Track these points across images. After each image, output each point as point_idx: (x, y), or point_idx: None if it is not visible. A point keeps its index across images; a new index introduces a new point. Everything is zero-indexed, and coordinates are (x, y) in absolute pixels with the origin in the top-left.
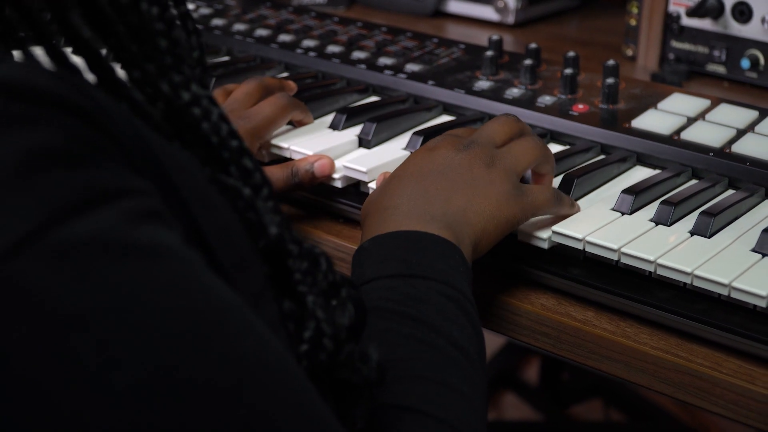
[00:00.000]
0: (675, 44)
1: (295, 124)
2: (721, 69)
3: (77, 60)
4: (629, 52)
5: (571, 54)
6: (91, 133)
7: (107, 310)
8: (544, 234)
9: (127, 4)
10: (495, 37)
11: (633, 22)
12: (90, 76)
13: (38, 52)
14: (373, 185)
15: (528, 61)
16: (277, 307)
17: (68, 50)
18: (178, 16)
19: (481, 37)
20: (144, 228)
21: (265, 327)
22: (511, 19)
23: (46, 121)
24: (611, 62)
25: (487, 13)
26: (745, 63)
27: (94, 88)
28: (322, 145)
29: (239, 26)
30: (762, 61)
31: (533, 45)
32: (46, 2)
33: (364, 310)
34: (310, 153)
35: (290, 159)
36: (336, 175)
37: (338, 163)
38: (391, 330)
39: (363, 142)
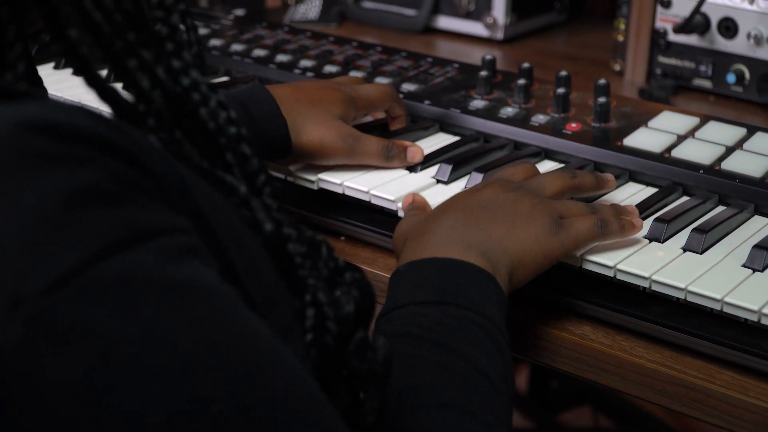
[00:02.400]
0: (662, 59)
1: (388, 120)
2: (707, 83)
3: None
4: (617, 67)
5: (563, 73)
6: (132, 172)
7: (145, 345)
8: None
9: None
10: (488, 57)
11: (620, 38)
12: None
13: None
14: (373, 198)
15: (521, 81)
16: (297, 322)
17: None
18: (179, 15)
19: (471, 53)
20: (183, 265)
21: (294, 360)
22: (500, 35)
23: (89, 160)
24: (602, 81)
25: (477, 29)
26: (731, 77)
27: (130, 127)
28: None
29: (237, 47)
30: (747, 75)
31: (526, 64)
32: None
33: (371, 294)
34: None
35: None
36: (338, 191)
37: (338, 180)
38: (419, 356)
39: None
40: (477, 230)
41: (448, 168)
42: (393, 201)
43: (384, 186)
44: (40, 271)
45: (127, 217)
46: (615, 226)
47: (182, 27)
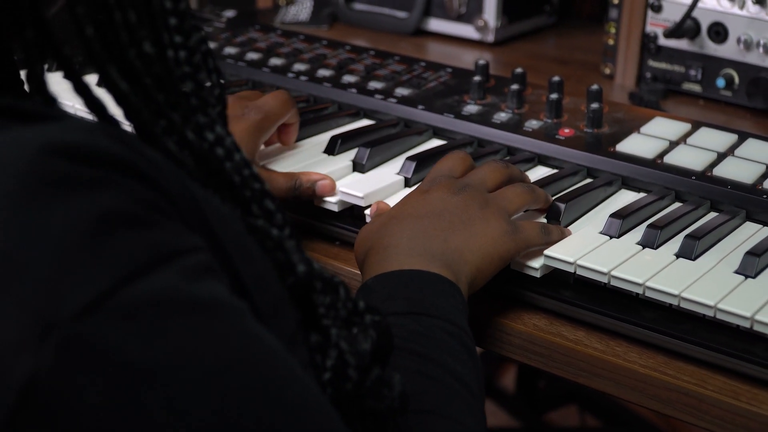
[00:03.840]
0: (652, 63)
1: (281, 129)
2: (696, 88)
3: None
4: (607, 71)
5: (556, 79)
6: (151, 194)
7: (174, 364)
8: (536, 263)
9: (153, 55)
10: (482, 61)
11: (611, 42)
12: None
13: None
14: (368, 211)
15: (515, 86)
16: (306, 347)
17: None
18: (201, 57)
19: (462, 56)
20: (203, 283)
21: (301, 369)
22: (490, 37)
23: (112, 184)
24: (595, 87)
25: (468, 31)
26: (721, 82)
27: (144, 146)
28: (318, 170)
29: (229, 50)
30: (737, 80)
31: (519, 70)
32: (86, 57)
33: (389, 336)
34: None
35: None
36: (332, 200)
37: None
38: (399, 366)
39: (357, 167)
40: (437, 241)
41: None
42: (361, 198)
43: (354, 184)
44: (70, 296)
45: (151, 239)
46: (556, 234)
47: (206, 69)
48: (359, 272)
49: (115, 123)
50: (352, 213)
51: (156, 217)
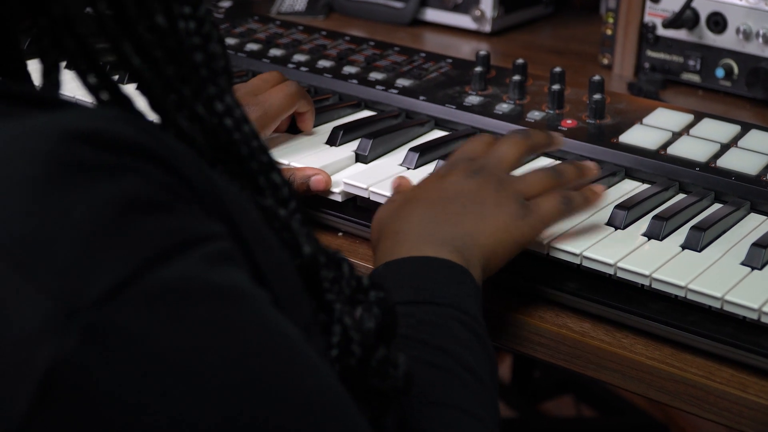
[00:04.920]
0: (650, 54)
1: (296, 117)
2: (695, 78)
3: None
4: (605, 61)
5: (558, 69)
6: (171, 180)
7: (197, 351)
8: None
9: (165, 28)
10: (483, 52)
11: (609, 32)
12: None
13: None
14: (375, 197)
15: (516, 77)
16: (322, 338)
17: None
18: (210, 26)
19: (459, 46)
20: (224, 270)
21: (317, 356)
22: (487, 27)
23: (134, 170)
24: (597, 78)
25: (465, 21)
26: (720, 72)
27: (163, 132)
28: (321, 161)
29: (229, 40)
30: (736, 70)
31: (520, 60)
32: (100, 33)
33: (393, 313)
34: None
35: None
36: (336, 190)
37: (337, 178)
38: (407, 356)
39: (360, 158)
40: (448, 225)
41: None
42: (365, 189)
43: (384, 183)
44: (93, 282)
45: (173, 225)
46: (579, 200)
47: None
48: (363, 263)
49: (138, 114)
50: (355, 204)
51: (178, 203)
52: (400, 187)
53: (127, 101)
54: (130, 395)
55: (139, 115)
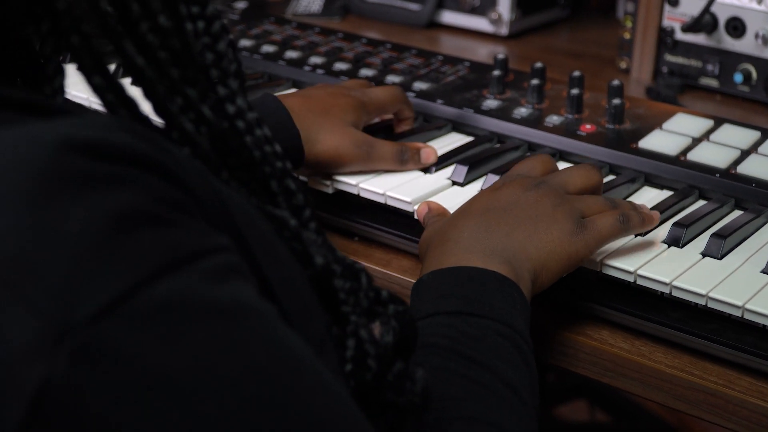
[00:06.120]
0: (669, 58)
1: (395, 123)
2: (714, 83)
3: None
4: (623, 65)
5: (577, 74)
6: (173, 191)
7: (194, 371)
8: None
9: (170, 28)
10: (501, 56)
11: (627, 36)
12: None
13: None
14: (389, 200)
15: (535, 81)
16: (336, 354)
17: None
18: (220, 26)
19: (476, 49)
20: (226, 285)
21: (329, 374)
22: (504, 30)
23: (131, 180)
24: (616, 82)
25: (482, 24)
26: (738, 77)
27: (167, 142)
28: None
29: (245, 42)
30: (755, 75)
31: (539, 64)
32: (102, 32)
33: (413, 327)
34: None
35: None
36: (353, 192)
37: (354, 182)
38: (445, 368)
39: None
40: (498, 236)
41: (464, 169)
42: (409, 203)
43: (400, 187)
44: (85, 300)
45: (171, 240)
46: (636, 220)
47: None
48: (380, 268)
49: (143, 119)
50: (371, 204)
51: (177, 215)
52: (432, 211)
53: (132, 103)
54: (123, 417)
55: (142, 120)
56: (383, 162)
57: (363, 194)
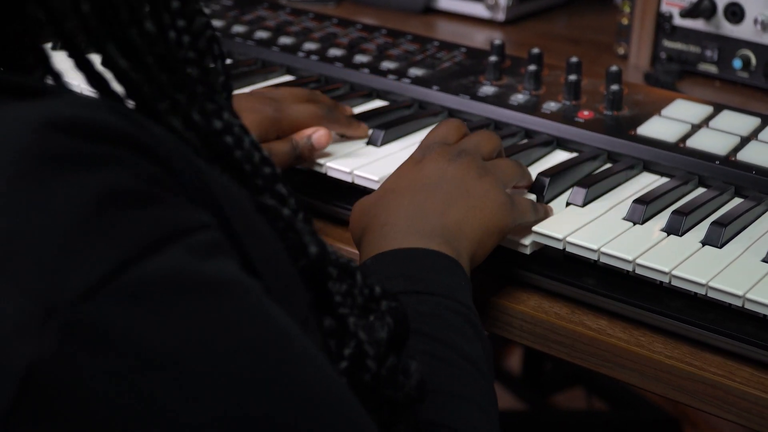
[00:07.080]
0: (667, 44)
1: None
2: (713, 69)
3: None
4: (621, 51)
5: (574, 60)
6: (156, 170)
7: (184, 346)
8: (526, 240)
9: (155, 34)
10: (497, 41)
11: (625, 21)
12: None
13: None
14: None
15: (532, 67)
16: (320, 331)
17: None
18: (206, 41)
19: (472, 35)
20: (212, 261)
21: (314, 348)
22: (501, 16)
23: (116, 160)
24: (614, 68)
25: (478, 10)
26: (737, 63)
27: (147, 121)
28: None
29: (238, 28)
30: (753, 61)
31: (536, 50)
32: (85, 34)
33: (405, 323)
34: (347, 169)
35: (325, 175)
36: (344, 171)
37: (348, 168)
38: (408, 347)
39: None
40: (434, 215)
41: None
42: (377, 181)
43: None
44: (73, 278)
45: (157, 217)
46: (540, 209)
47: (212, 54)
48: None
49: (117, 98)
50: (358, 192)
51: (162, 193)
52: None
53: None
54: (113, 395)
55: (123, 104)
56: (279, 162)
57: (330, 173)
